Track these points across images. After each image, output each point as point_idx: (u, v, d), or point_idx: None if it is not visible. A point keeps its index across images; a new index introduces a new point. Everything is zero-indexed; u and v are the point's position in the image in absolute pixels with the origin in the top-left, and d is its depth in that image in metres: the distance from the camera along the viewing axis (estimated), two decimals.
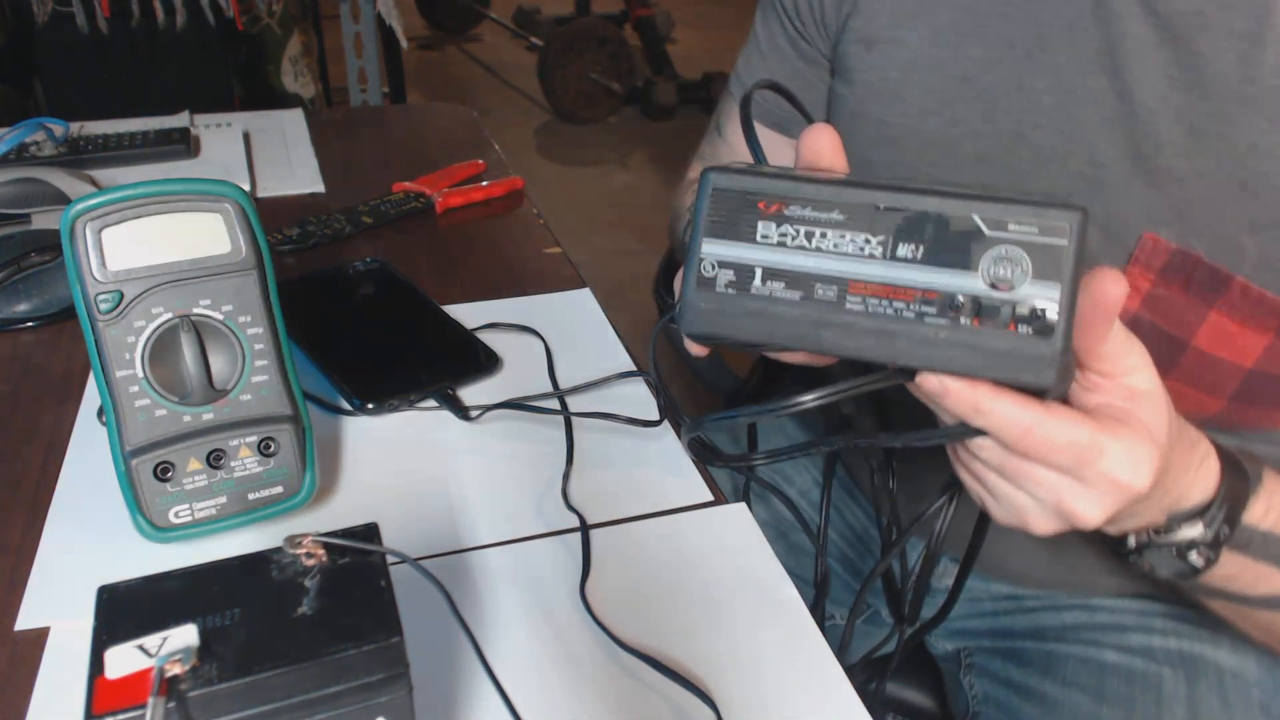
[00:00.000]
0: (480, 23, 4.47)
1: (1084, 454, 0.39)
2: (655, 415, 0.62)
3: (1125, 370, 0.40)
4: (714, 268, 0.41)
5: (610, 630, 0.47)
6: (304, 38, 2.13)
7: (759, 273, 0.40)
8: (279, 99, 2.05)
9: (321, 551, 0.33)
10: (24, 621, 0.46)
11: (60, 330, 0.69)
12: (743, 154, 0.76)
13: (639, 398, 0.64)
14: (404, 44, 2.19)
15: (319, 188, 0.94)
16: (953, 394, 0.38)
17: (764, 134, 0.76)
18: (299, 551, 0.33)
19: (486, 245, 0.85)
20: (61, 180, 0.80)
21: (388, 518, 0.53)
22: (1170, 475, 0.43)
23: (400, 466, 0.57)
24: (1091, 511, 0.40)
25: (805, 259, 0.39)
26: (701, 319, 0.41)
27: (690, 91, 3.62)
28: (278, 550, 0.33)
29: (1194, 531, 0.46)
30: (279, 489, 0.50)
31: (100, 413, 0.59)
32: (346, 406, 0.61)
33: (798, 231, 0.39)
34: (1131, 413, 0.40)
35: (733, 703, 0.44)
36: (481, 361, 0.66)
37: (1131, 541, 0.47)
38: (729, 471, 0.73)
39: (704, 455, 0.55)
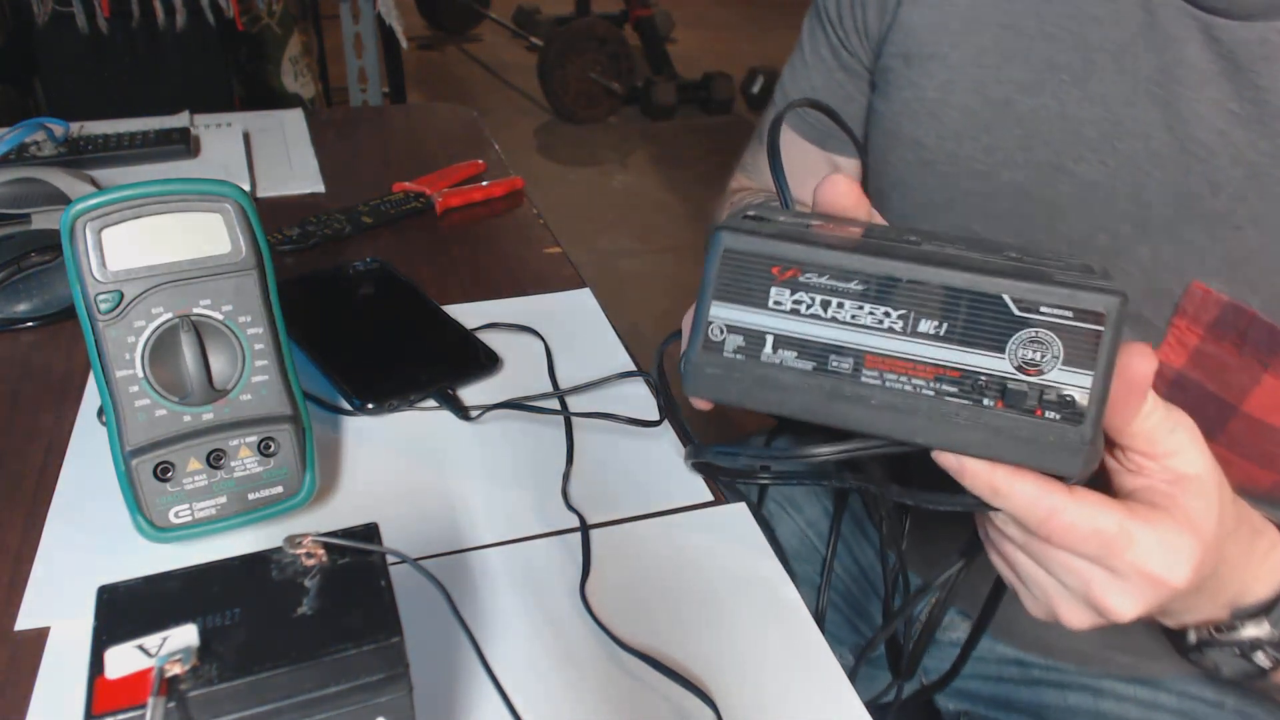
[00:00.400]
0: (480, 23, 4.47)
1: (1111, 543, 0.36)
2: (655, 415, 0.62)
3: (1168, 451, 0.37)
4: (722, 331, 0.39)
5: (610, 630, 0.47)
6: (304, 38, 2.13)
7: (770, 340, 0.38)
8: (279, 99, 2.05)
9: (321, 551, 0.33)
10: (24, 621, 0.46)
11: (60, 330, 0.69)
12: (789, 159, 0.76)
13: (639, 398, 0.64)
14: (404, 44, 2.19)
15: (319, 188, 0.94)
16: (970, 473, 0.36)
17: (804, 149, 0.75)
18: (299, 551, 0.33)
19: (486, 245, 0.85)
20: (61, 180, 0.80)
21: (388, 518, 0.53)
22: (1226, 567, 0.40)
23: (400, 466, 0.57)
24: (1123, 604, 0.37)
25: (820, 329, 0.37)
26: (707, 383, 0.39)
27: (690, 91, 3.62)
28: (278, 550, 0.33)
29: (1259, 630, 0.42)
30: (279, 489, 0.50)
31: (100, 413, 0.59)
32: (346, 406, 0.61)
33: (813, 300, 0.37)
34: (1174, 498, 0.37)
35: (733, 703, 0.44)
36: (481, 361, 0.66)
37: (1192, 637, 0.44)
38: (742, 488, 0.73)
39: (709, 471, 0.54)
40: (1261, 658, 0.43)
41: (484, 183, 0.93)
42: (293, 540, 0.33)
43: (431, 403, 0.62)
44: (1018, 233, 0.58)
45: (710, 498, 0.56)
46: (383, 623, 0.31)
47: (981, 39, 0.59)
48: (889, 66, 0.65)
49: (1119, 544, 0.36)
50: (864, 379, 0.37)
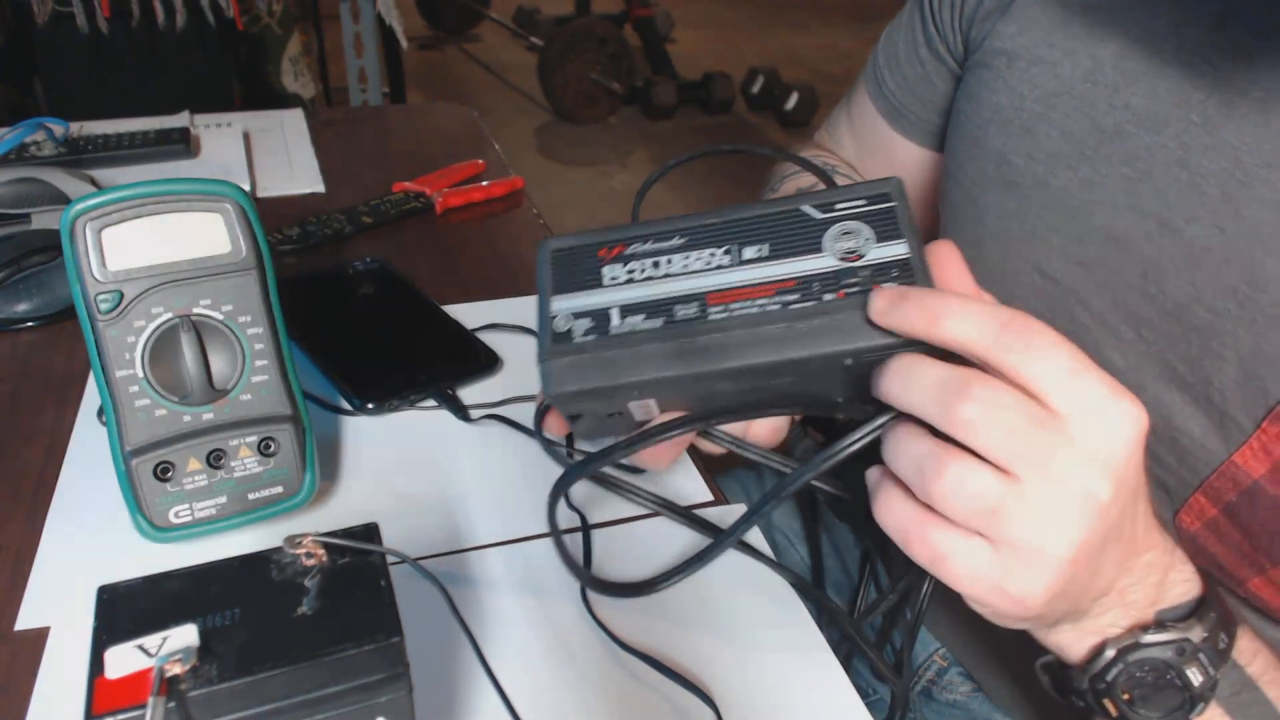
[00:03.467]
0: (480, 23, 4.47)
1: (1074, 358, 0.33)
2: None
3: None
4: (568, 320, 0.40)
5: (610, 630, 0.47)
6: (304, 38, 2.13)
7: (615, 312, 0.39)
8: (279, 99, 2.05)
9: (321, 551, 0.33)
10: (24, 621, 0.46)
11: (60, 330, 0.69)
12: (861, 125, 0.74)
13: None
14: (404, 44, 2.19)
15: (319, 188, 0.94)
16: (912, 300, 0.34)
17: (875, 119, 0.71)
18: (299, 551, 0.33)
19: (486, 245, 0.85)
20: (61, 180, 0.80)
21: (388, 518, 0.53)
22: (1150, 511, 0.37)
23: (400, 466, 0.57)
24: (1095, 458, 0.33)
25: (658, 286, 0.39)
26: (567, 375, 0.39)
27: (690, 91, 3.62)
28: (278, 550, 0.33)
29: (1190, 631, 0.38)
30: (279, 489, 0.50)
31: (100, 413, 0.59)
32: (346, 406, 0.61)
33: (644, 264, 0.40)
34: None
35: (733, 703, 0.44)
36: (481, 361, 0.66)
37: (1110, 651, 0.38)
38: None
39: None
40: (1194, 675, 0.38)
41: (484, 183, 0.93)
42: (293, 540, 0.33)
43: (431, 403, 0.62)
44: (1103, 285, 0.51)
45: (710, 497, 0.56)
46: (383, 623, 0.31)
47: (1102, 51, 0.51)
48: (987, 63, 0.57)
49: (1079, 363, 0.33)
50: (711, 316, 0.38)
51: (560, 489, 0.43)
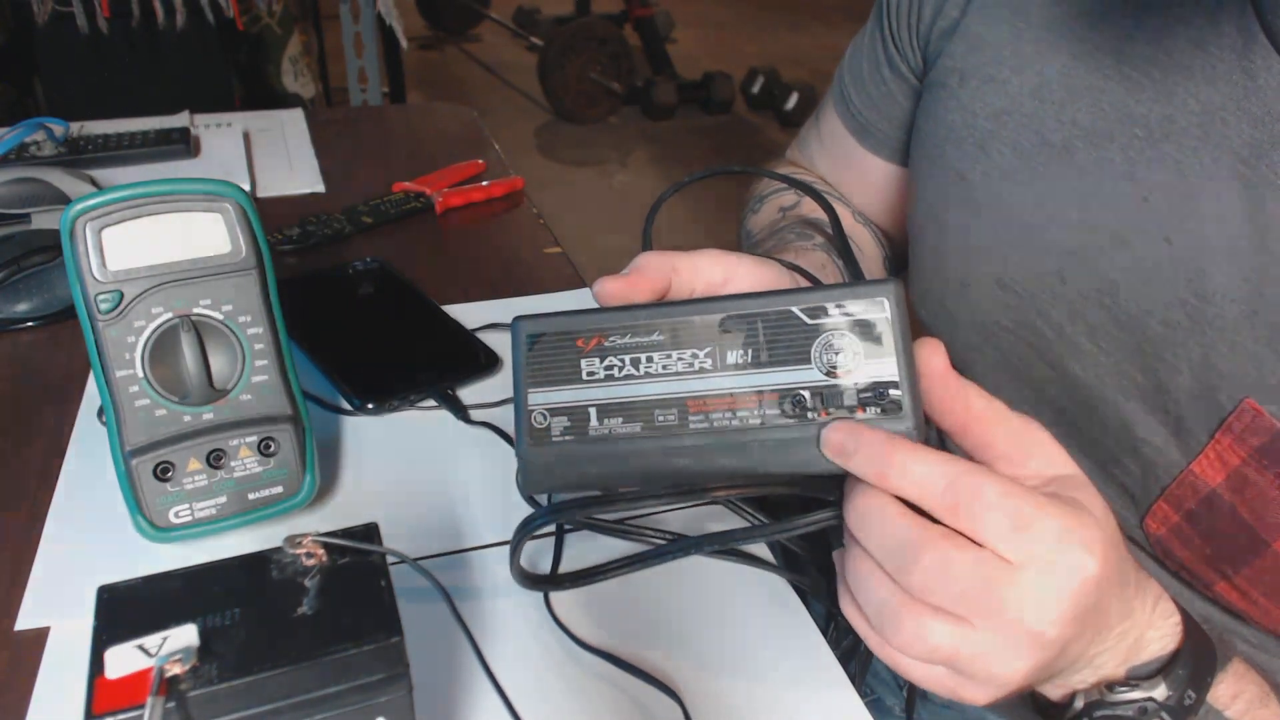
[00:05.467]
0: (480, 23, 4.47)
1: (1020, 509, 0.33)
2: None
3: (1027, 455, 0.36)
4: (545, 417, 0.39)
5: (571, 631, 0.47)
6: (304, 38, 2.14)
7: (594, 412, 0.38)
8: (279, 99, 2.05)
9: (321, 551, 0.33)
10: (24, 621, 0.46)
11: (60, 330, 0.69)
12: (830, 143, 0.73)
13: None
14: (404, 44, 2.19)
15: (319, 188, 0.94)
16: (864, 449, 0.35)
17: (843, 136, 0.71)
18: (299, 551, 0.33)
19: (486, 245, 0.85)
20: (61, 180, 0.80)
21: (388, 518, 0.53)
22: (1126, 599, 0.37)
23: (400, 466, 0.57)
24: (1046, 604, 0.33)
25: (637, 388, 0.38)
26: (544, 476, 0.39)
27: (690, 91, 3.62)
28: (278, 550, 0.33)
29: (1154, 691, 0.38)
30: (279, 489, 0.50)
31: (100, 413, 0.59)
32: (346, 406, 0.61)
33: (623, 361, 0.38)
34: (1058, 496, 0.34)
35: (734, 703, 0.44)
36: (481, 361, 0.66)
37: (1080, 702, 0.39)
38: None
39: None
40: None
41: (484, 183, 0.93)
42: (293, 540, 0.33)
43: (431, 403, 0.62)
44: (1060, 297, 0.51)
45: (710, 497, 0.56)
46: (383, 623, 0.31)
47: (1049, 68, 0.51)
48: (941, 81, 0.57)
49: (1026, 510, 0.33)
50: (692, 425, 0.37)
51: (524, 532, 0.43)
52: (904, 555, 0.34)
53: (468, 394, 0.63)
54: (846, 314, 0.36)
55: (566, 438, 0.38)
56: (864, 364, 0.36)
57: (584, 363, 0.39)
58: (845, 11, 4.89)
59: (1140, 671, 0.38)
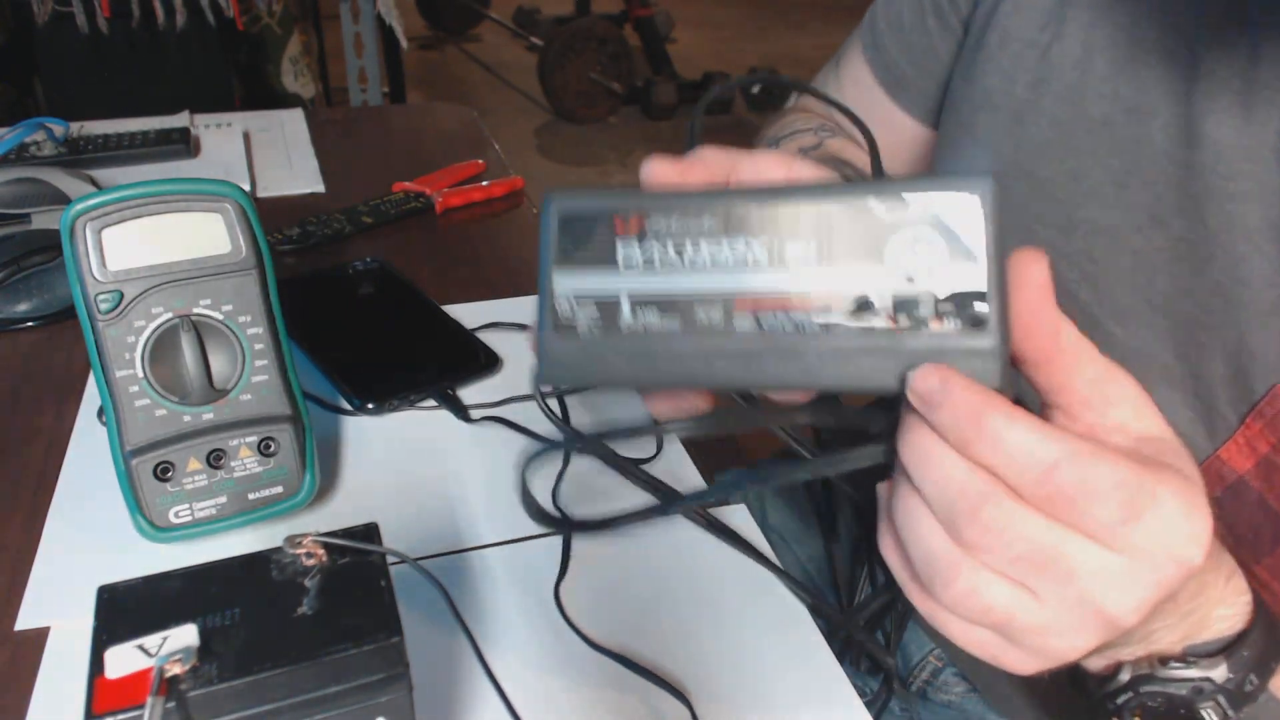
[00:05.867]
0: (480, 23, 4.47)
1: (1134, 499, 0.28)
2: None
3: (1109, 404, 0.31)
4: (571, 305, 0.34)
5: (581, 630, 0.47)
6: (304, 38, 2.13)
7: (626, 303, 0.33)
8: (279, 99, 2.05)
9: (321, 551, 0.33)
10: (24, 621, 0.46)
11: (60, 330, 0.69)
12: (852, 93, 0.67)
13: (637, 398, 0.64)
14: (404, 44, 2.19)
15: (319, 188, 0.94)
16: (957, 392, 0.29)
17: (873, 91, 0.66)
18: (299, 551, 0.33)
19: (486, 245, 0.85)
20: (61, 180, 0.80)
21: (388, 518, 0.53)
22: (1205, 569, 0.33)
23: (400, 466, 0.57)
24: (1134, 593, 0.29)
25: (680, 279, 0.33)
26: (566, 370, 0.34)
27: (690, 91, 3.61)
28: (278, 550, 0.33)
29: (1215, 671, 0.34)
30: (279, 489, 0.50)
31: (100, 413, 0.59)
32: (346, 406, 0.61)
33: (666, 248, 0.33)
34: (1157, 459, 0.30)
35: (735, 703, 0.44)
36: (481, 361, 0.66)
37: (1125, 675, 0.36)
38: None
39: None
40: (1210, 715, 0.35)
41: (484, 183, 0.93)
42: (293, 540, 0.33)
43: (431, 403, 0.62)
44: (1089, 277, 0.50)
45: (710, 497, 0.56)
46: (383, 623, 0.31)
47: (1093, 36, 0.49)
48: (982, 42, 0.54)
49: (1141, 501, 0.28)
50: (737, 326, 0.32)
51: (534, 456, 0.38)
52: (963, 504, 0.29)
53: (468, 394, 0.63)
54: (932, 211, 0.30)
55: (593, 329, 0.34)
56: (947, 270, 0.30)
57: (621, 247, 0.34)
58: (845, 11, 4.89)
59: (1200, 650, 0.35)
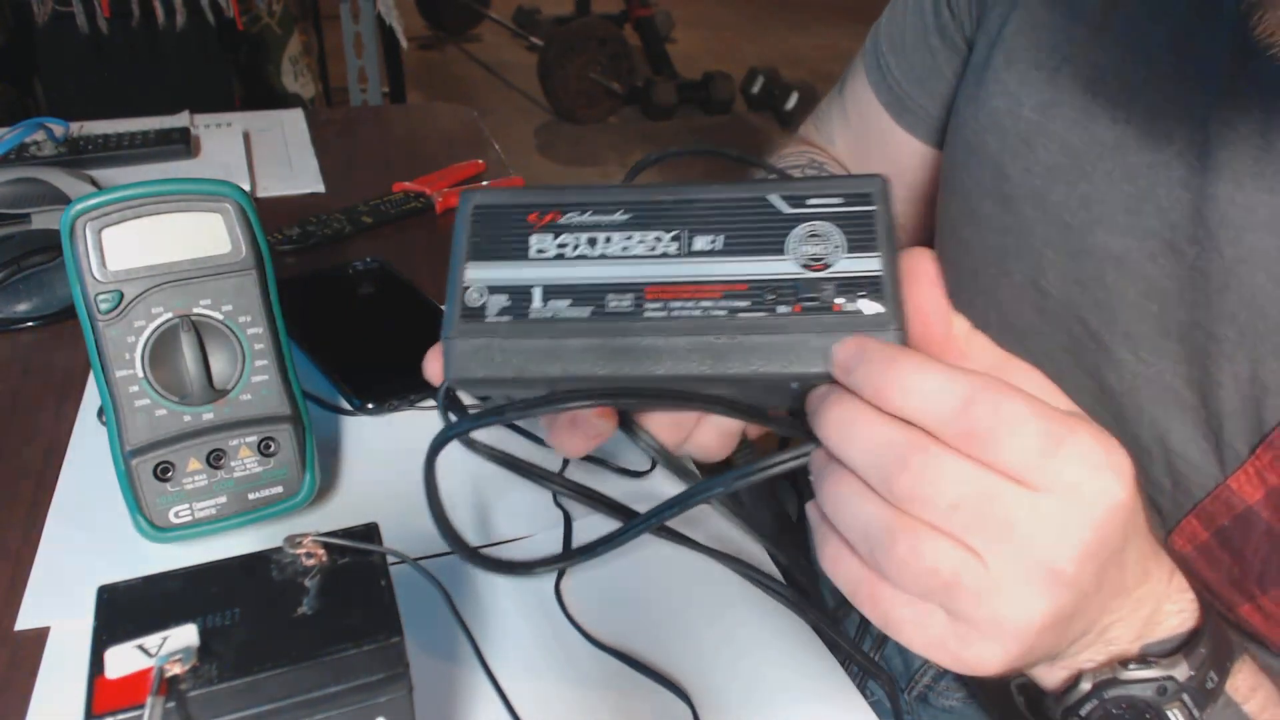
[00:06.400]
0: (480, 23, 4.47)
1: (1050, 430, 0.28)
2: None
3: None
4: (482, 294, 0.34)
5: (584, 628, 0.47)
6: (304, 38, 2.13)
7: (538, 291, 0.34)
8: (279, 99, 2.05)
9: (321, 551, 0.33)
10: (24, 621, 0.46)
11: (60, 330, 0.69)
12: (856, 117, 0.67)
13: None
14: (404, 44, 2.19)
15: (319, 188, 0.94)
16: (872, 349, 0.30)
17: (877, 112, 0.66)
18: (299, 551, 0.33)
19: None
20: (61, 180, 0.80)
21: (388, 518, 0.53)
22: (1145, 550, 0.33)
23: (400, 466, 0.57)
24: (1068, 533, 0.29)
25: (591, 268, 0.34)
26: (472, 360, 0.34)
27: (690, 91, 3.61)
28: (278, 550, 0.33)
29: (1176, 669, 0.34)
30: (279, 489, 0.50)
31: (100, 413, 0.59)
32: (346, 406, 0.61)
33: (579, 239, 0.34)
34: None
35: (737, 702, 0.44)
36: None
37: (1086, 684, 0.35)
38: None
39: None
40: (1176, 716, 0.34)
41: (484, 183, 0.93)
42: (293, 540, 0.33)
43: (431, 403, 0.62)
44: (1100, 303, 0.49)
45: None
46: (383, 623, 0.31)
47: (1103, 60, 0.48)
48: (988, 62, 0.53)
49: (1056, 429, 0.28)
50: (648, 313, 0.33)
51: (434, 450, 0.38)
52: (890, 457, 0.29)
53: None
54: (829, 204, 0.33)
55: (503, 318, 0.34)
56: (844, 258, 0.32)
57: (534, 239, 0.34)
58: (845, 11, 4.89)
59: (1157, 649, 0.35)
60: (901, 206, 0.69)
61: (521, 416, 0.35)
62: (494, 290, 0.34)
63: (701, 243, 0.33)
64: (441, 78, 4.09)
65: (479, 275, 0.35)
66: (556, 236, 0.34)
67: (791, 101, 3.45)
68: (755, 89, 3.59)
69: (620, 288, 0.33)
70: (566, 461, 0.55)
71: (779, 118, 3.52)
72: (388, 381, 0.62)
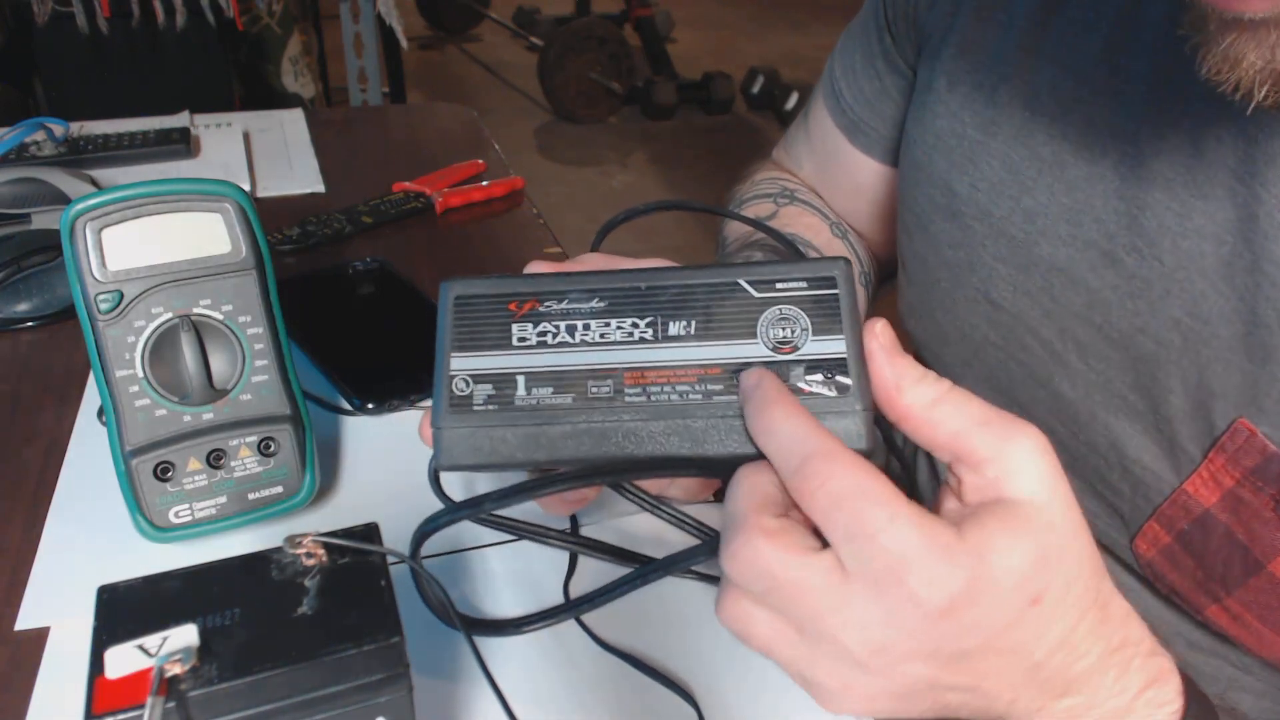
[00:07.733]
0: (480, 23, 4.47)
1: (863, 519, 0.29)
2: None
3: (986, 460, 0.31)
4: (468, 384, 0.36)
5: (597, 632, 0.47)
6: (304, 38, 2.13)
7: (521, 380, 0.36)
8: (279, 99, 2.05)
9: (321, 551, 0.33)
10: (24, 621, 0.46)
11: (60, 330, 0.69)
12: (819, 141, 0.69)
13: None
14: (404, 44, 2.19)
15: (319, 188, 0.94)
16: (766, 384, 0.33)
17: (833, 134, 0.68)
18: (299, 551, 0.33)
19: (486, 245, 0.85)
20: (61, 180, 0.80)
21: (388, 518, 0.53)
22: (1069, 661, 0.31)
23: (400, 466, 0.57)
24: (868, 627, 0.29)
25: (571, 356, 0.36)
26: (461, 448, 0.36)
27: (690, 91, 3.62)
28: (278, 550, 0.33)
29: None
30: (279, 489, 0.50)
31: (100, 413, 0.59)
32: (346, 406, 0.61)
33: (558, 328, 0.36)
34: (973, 517, 0.30)
35: (743, 704, 0.44)
36: None
37: None
38: None
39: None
40: None
41: (484, 183, 0.93)
42: (293, 540, 0.33)
43: (430, 403, 0.62)
44: (1049, 314, 0.51)
45: (710, 497, 0.56)
46: (383, 623, 0.31)
47: (1038, 78, 0.49)
48: (930, 84, 0.55)
49: (870, 524, 0.29)
50: (628, 398, 0.35)
51: (420, 538, 0.39)
52: (725, 534, 0.31)
53: None
54: (795, 289, 0.35)
55: (489, 406, 0.35)
56: (811, 340, 0.34)
57: (515, 328, 0.36)
58: (845, 11, 4.88)
59: None
60: (869, 224, 0.70)
61: (499, 507, 0.36)
62: (479, 380, 0.36)
63: (675, 328, 0.36)
64: (441, 78, 4.09)
65: (464, 365, 0.36)
66: (536, 325, 0.36)
67: (791, 101, 3.45)
68: (755, 89, 3.59)
69: (600, 374, 0.35)
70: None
71: (779, 118, 3.52)
72: (388, 381, 0.62)
